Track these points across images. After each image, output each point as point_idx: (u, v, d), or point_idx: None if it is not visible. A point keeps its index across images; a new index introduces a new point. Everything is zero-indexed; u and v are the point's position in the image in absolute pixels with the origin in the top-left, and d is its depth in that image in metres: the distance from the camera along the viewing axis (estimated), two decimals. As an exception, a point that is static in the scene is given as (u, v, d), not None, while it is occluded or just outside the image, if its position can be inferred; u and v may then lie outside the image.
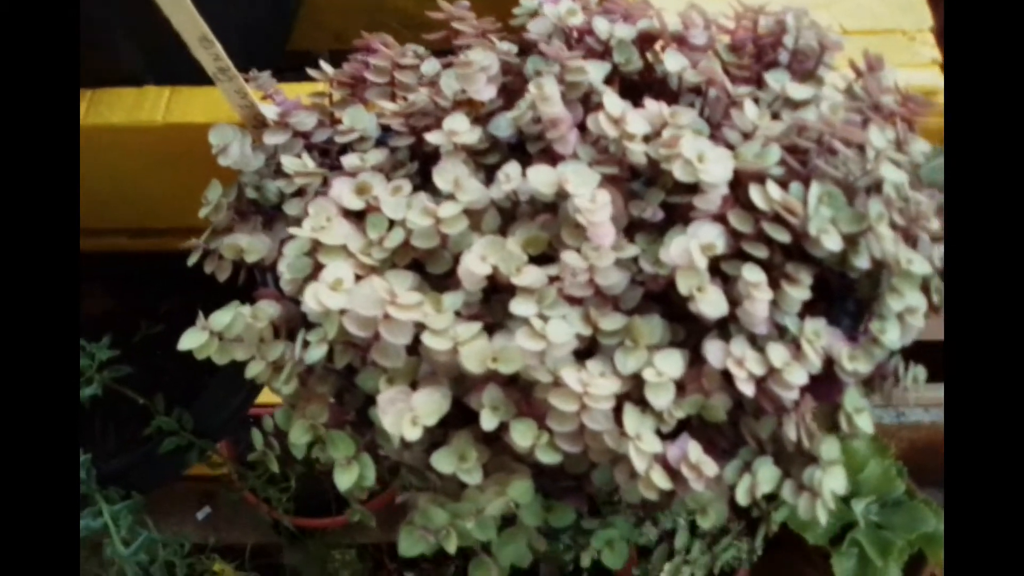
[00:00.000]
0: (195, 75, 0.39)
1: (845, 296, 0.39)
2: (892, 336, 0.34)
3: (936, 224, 0.36)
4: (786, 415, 0.34)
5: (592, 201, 0.30)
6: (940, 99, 0.42)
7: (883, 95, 0.37)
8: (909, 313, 0.35)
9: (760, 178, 0.33)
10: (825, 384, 0.36)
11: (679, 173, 0.31)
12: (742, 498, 0.33)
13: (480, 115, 0.37)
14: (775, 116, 0.35)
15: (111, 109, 0.44)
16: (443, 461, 0.33)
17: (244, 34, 0.47)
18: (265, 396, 0.63)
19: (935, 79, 0.42)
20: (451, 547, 0.34)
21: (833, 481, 0.34)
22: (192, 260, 0.39)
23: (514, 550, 0.37)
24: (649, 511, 0.39)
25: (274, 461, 0.43)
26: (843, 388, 0.35)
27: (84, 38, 0.43)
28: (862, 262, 0.34)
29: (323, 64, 0.40)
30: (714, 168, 0.31)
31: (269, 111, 0.39)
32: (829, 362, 0.35)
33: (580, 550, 0.38)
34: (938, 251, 0.37)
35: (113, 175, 0.49)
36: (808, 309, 0.35)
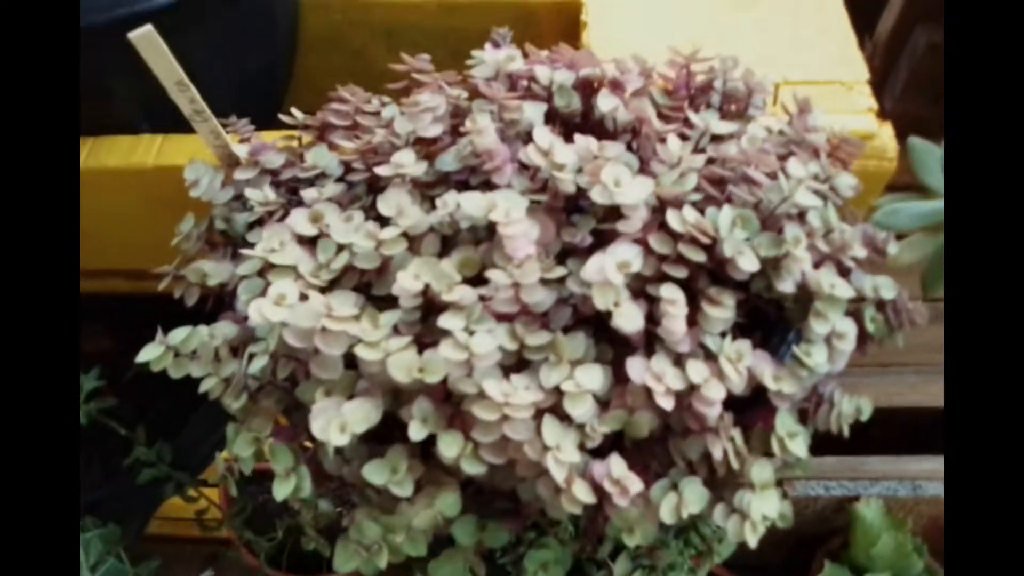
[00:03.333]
0: (188, 125, 0.43)
1: (786, 329, 0.40)
2: (818, 359, 0.35)
3: (861, 252, 0.37)
4: (712, 435, 0.34)
5: (507, 216, 0.32)
6: (874, 143, 0.44)
7: (808, 134, 0.39)
8: (837, 337, 0.36)
9: (679, 204, 0.35)
10: (757, 408, 0.37)
11: (597, 196, 0.33)
12: (667, 516, 0.33)
13: (431, 153, 0.40)
14: (701, 151, 0.38)
15: (108, 154, 0.49)
16: (375, 473, 0.34)
17: (237, 97, 0.51)
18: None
19: (870, 124, 0.45)
20: (382, 562, 0.35)
21: (764, 505, 0.34)
22: (162, 285, 0.41)
23: (451, 571, 0.37)
24: (590, 538, 0.39)
25: (233, 485, 0.44)
26: (775, 412, 0.36)
27: (87, 92, 0.48)
28: (786, 286, 0.35)
29: (294, 111, 0.44)
30: (629, 191, 0.33)
31: (241, 151, 0.42)
32: (761, 388, 0.35)
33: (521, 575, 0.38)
34: (871, 282, 0.38)
35: (110, 217, 0.53)
36: (744, 337, 0.36)
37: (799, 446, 0.35)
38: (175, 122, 0.45)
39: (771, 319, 0.39)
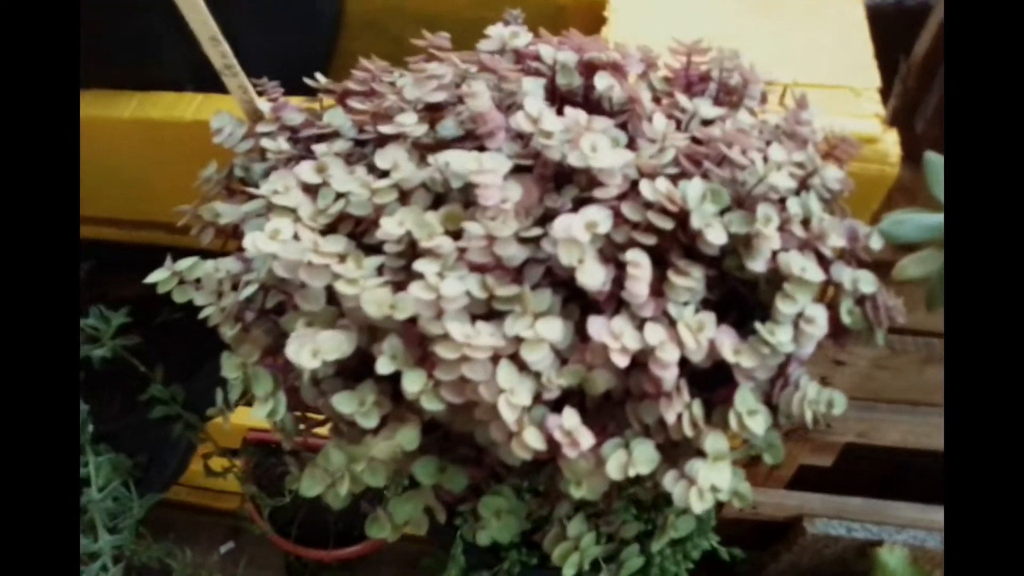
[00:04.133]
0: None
1: (764, 314, 0.40)
2: (782, 338, 0.35)
3: (839, 241, 0.37)
4: (666, 400, 0.35)
5: (479, 164, 0.34)
6: (876, 147, 0.44)
7: (799, 126, 0.39)
8: (805, 321, 0.36)
9: (655, 176, 0.36)
10: (719, 383, 0.37)
11: (573, 160, 0.35)
12: (614, 472, 0.34)
13: (435, 119, 0.43)
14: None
15: (153, 107, 0.53)
16: (343, 402, 0.36)
17: (275, 73, 0.55)
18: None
19: (872, 128, 0.45)
20: (343, 490, 0.37)
21: (714, 475, 0.35)
22: (181, 222, 0.45)
23: (411, 509, 0.39)
24: (550, 496, 0.40)
25: (229, 419, 0.47)
26: (736, 388, 0.36)
27: (138, 50, 0.52)
28: (756, 265, 0.36)
29: (318, 75, 0.47)
30: (604, 157, 0.35)
31: (265, 107, 0.46)
32: (725, 365, 0.36)
33: (477, 524, 0.39)
34: (850, 274, 0.39)
35: (152, 169, 0.57)
36: (720, 317, 0.36)
37: (757, 424, 0.36)
38: (220, 87, 0.49)
39: (748, 302, 0.40)
